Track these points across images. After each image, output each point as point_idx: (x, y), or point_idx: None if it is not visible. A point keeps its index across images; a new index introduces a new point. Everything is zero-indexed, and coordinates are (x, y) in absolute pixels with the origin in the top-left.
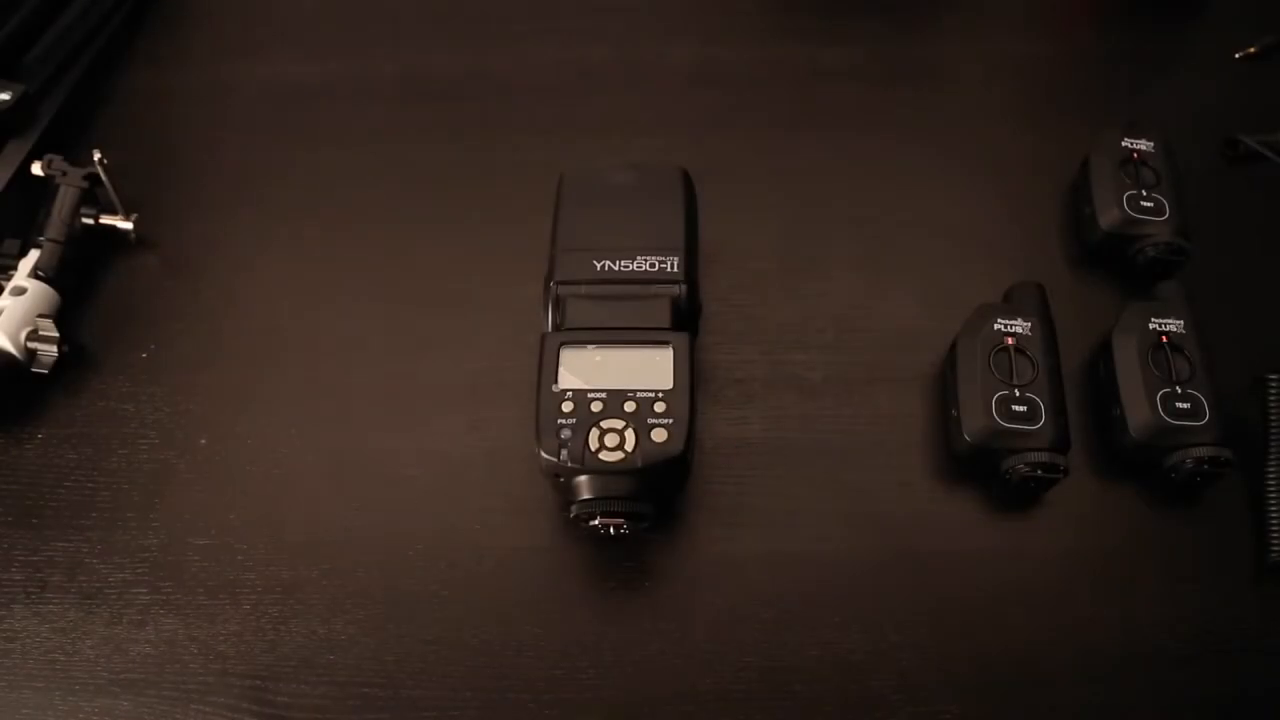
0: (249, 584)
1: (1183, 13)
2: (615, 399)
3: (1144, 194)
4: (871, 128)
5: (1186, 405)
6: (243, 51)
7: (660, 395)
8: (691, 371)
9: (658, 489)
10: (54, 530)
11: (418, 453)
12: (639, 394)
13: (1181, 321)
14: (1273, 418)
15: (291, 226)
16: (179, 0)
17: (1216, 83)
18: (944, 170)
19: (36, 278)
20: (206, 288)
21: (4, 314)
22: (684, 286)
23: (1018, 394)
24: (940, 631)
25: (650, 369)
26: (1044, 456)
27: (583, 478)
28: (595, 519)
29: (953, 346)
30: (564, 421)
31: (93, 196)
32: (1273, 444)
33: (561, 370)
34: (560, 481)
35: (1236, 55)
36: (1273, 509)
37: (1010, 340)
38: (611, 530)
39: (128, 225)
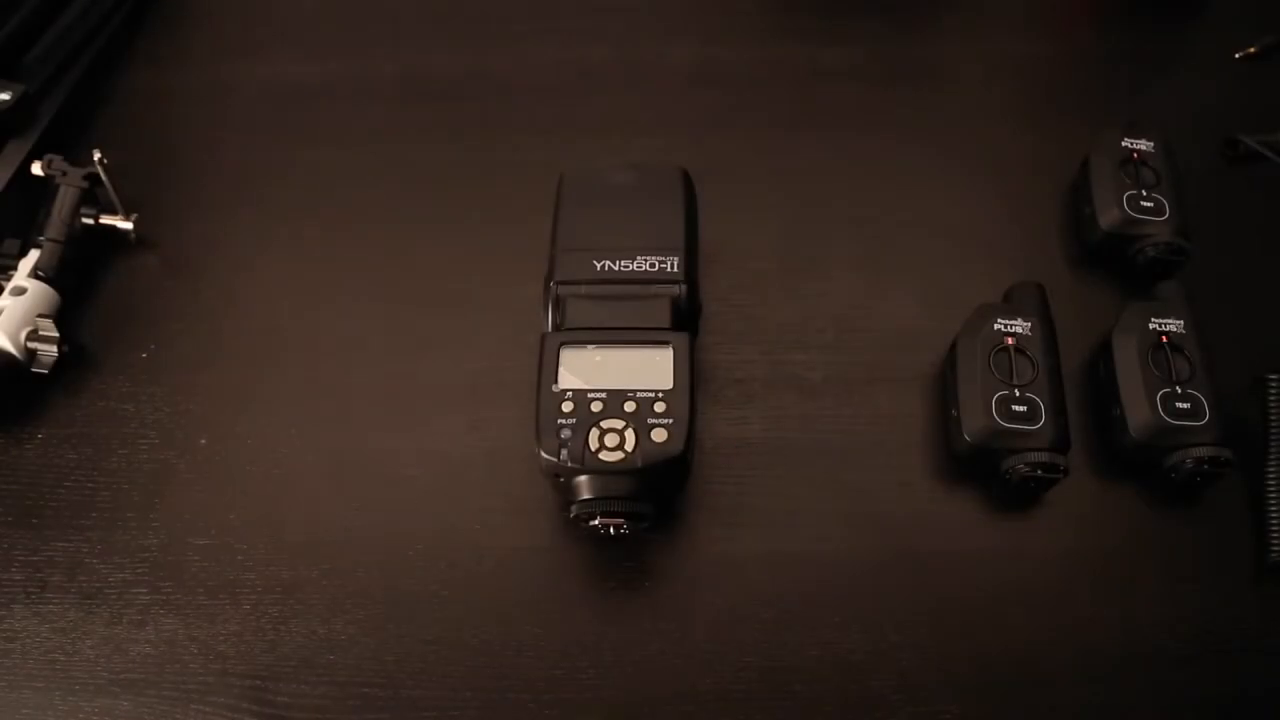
0: (249, 584)
1: (1183, 13)
2: (615, 399)
3: (1144, 194)
4: (871, 128)
5: (1186, 405)
6: (243, 51)
7: (660, 395)
8: (691, 371)
9: (658, 489)
10: (54, 530)
11: (418, 453)
12: (639, 394)
13: (1181, 321)
14: (1273, 418)
15: (291, 226)
16: (179, 0)
17: (1216, 83)
18: (944, 170)
19: (36, 278)
20: (206, 288)
21: (4, 314)
22: (684, 286)
23: (1018, 394)
24: (940, 631)
25: (650, 369)
26: (1044, 456)
27: (583, 478)
28: (595, 519)
29: (953, 346)
30: (564, 421)
31: (93, 196)
32: (1273, 444)
33: (561, 370)
34: (560, 481)
35: (1236, 55)
36: (1273, 509)
37: (1010, 340)
38: (611, 530)
39: (128, 225)
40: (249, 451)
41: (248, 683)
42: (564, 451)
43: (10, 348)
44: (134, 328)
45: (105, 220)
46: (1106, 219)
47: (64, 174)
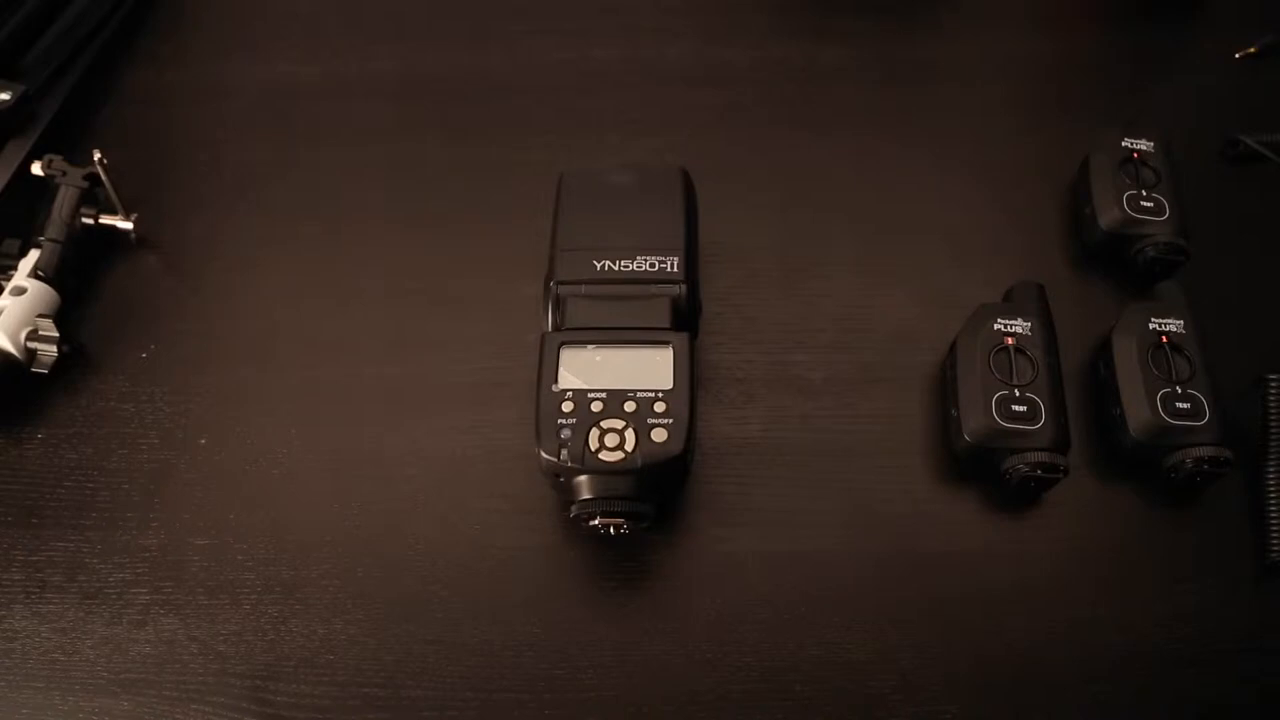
0: (249, 584)
1: (1183, 13)
2: (615, 399)
3: (1144, 194)
4: (871, 128)
5: (1186, 405)
6: (243, 51)
7: (660, 395)
8: (691, 371)
9: (658, 489)
10: (54, 530)
11: (418, 453)
12: (639, 394)
13: (1181, 321)
14: (1273, 418)
15: (291, 226)
16: (179, 0)
17: (1216, 83)
18: (944, 170)
19: (36, 278)
20: (206, 288)
21: (4, 314)
22: (684, 286)
23: (1018, 394)
24: (940, 631)
25: (650, 369)
26: (1044, 456)
27: (583, 478)
28: (595, 519)
29: (953, 346)
30: (564, 421)
31: (93, 196)
32: (1273, 444)
33: (561, 370)
34: (560, 481)
35: (1236, 55)
36: (1273, 509)
37: (1010, 340)
38: (611, 530)
39: (128, 225)
40: (249, 451)
41: (248, 683)
42: (564, 451)
43: (10, 348)
44: (134, 328)
45: (105, 220)
46: (1106, 219)
47: (64, 174)
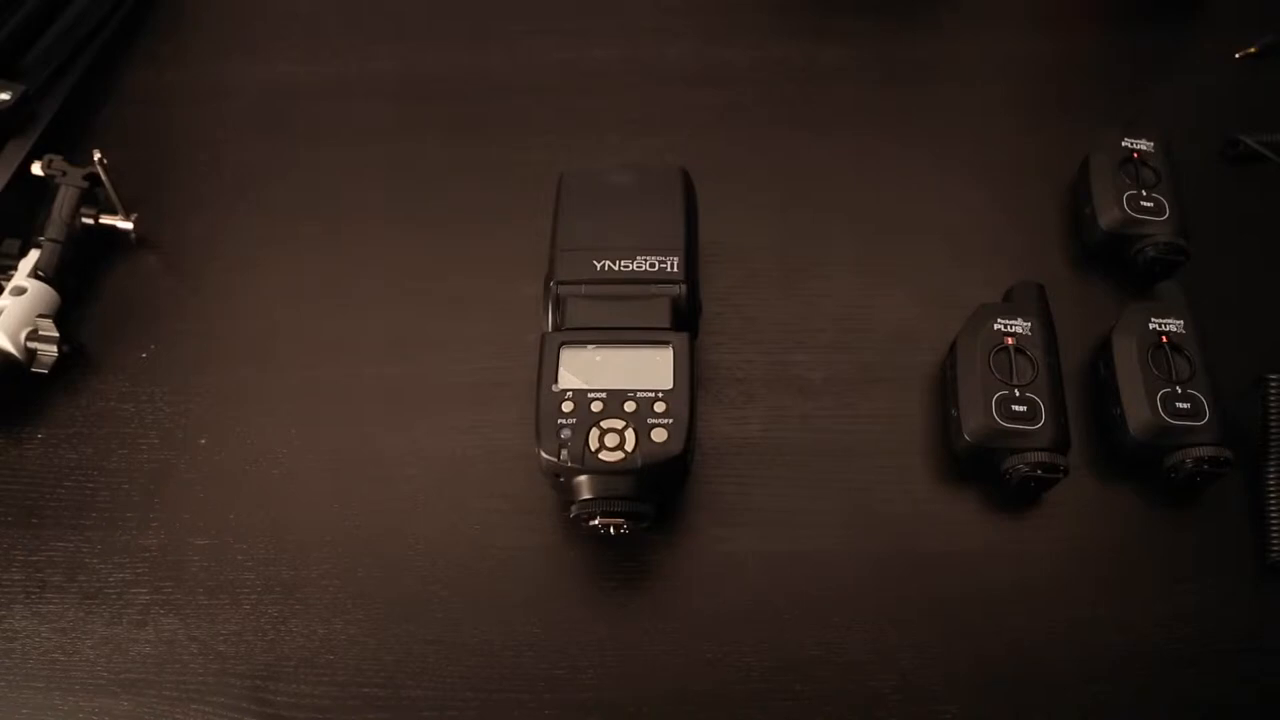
0: (249, 584)
1: (1183, 13)
2: (615, 399)
3: (1144, 194)
4: (871, 128)
5: (1186, 405)
6: (243, 51)
7: (660, 395)
8: (691, 371)
9: (658, 489)
10: (54, 530)
11: (418, 453)
12: (639, 394)
13: (1181, 321)
14: (1273, 418)
15: (291, 226)
16: (179, 0)
17: (1216, 83)
18: (944, 170)
19: (36, 278)
20: (206, 288)
21: (4, 314)
22: (684, 286)
23: (1018, 394)
24: (940, 631)
25: (650, 369)
26: (1044, 456)
27: (583, 478)
28: (595, 519)
29: (953, 346)
30: (564, 421)
31: (93, 196)
32: (1273, 444)
33: (561, 370)
34: (560, 481)
35: (1236, 55)
36: (1273, 509)
37: (1010, 340)
38: (611, 530)
39: (128, 225)
40: (249, 451)
41: (248, 683)
42: (564, 451)
43: (10, 348)
44: (134, 328)
45: (105, 220)
46: (1106, 219)
47: (64, 174)
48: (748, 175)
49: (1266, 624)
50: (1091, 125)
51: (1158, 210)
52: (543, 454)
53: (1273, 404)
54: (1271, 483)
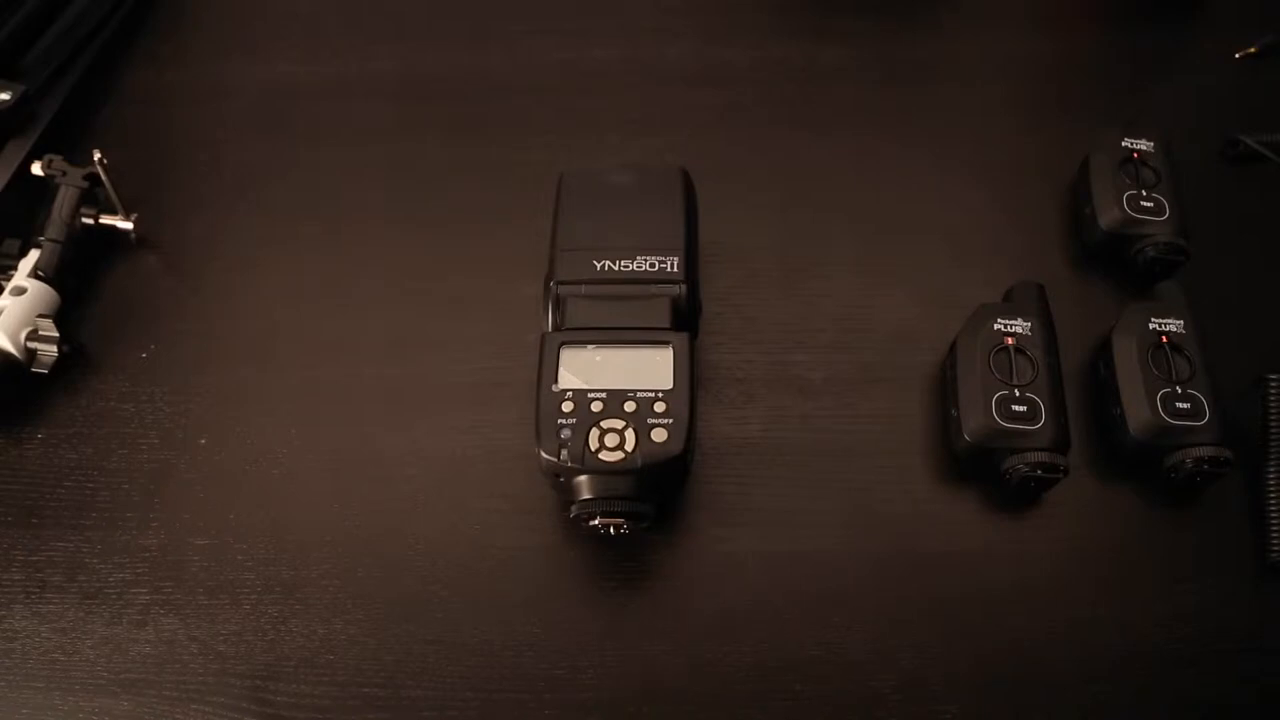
0: (249, 584)
1: (1183, 13)
2: (615, 399)
3: (1144, 194)
4: (871, 128)
5: (1186, 405)
6: (243, 51)
7: (660, 395)
8: (691, 371)
9: (658, 489)
10: (54, 530)
11: (418, 453)
12: (639, 394)
13: (1181, 321)
14: (1273, 418)
15: (291, 226)
16: (179, 0)
17: (1216, 83)
18: (944, 170)
19: (36, 278)
20: (206, 288)
21: (4, 314)
22: (684, 286)
23: (1018, 394)
24: (940, 631)
25: (650, 369)
26: (1044, 456)
27: (583, 478)
28: (595, 519)
29: (953, 346)
30: (564, 421)
31: (93, 196)
32: (1273, 444)
33: (561, 370)
34: (560, 481)
35: (1236, 55)
36: (1273, 509)
37: (1010, 340)
38: (611, 530)
39: (128, 225)
40: (249, 451)
41: (248, 683)
42: (564, 451)
43: (10, 348)
44: (134, 328)
45: (105, 220)
46: (1106, 219)
47: (64, 174)
48: (748, 175)
49: (1266, 624)
50: (1091, 125)
51: (1158, 210)
52: (543, 454)
53: (1273, 404)
54: (1271, 483)
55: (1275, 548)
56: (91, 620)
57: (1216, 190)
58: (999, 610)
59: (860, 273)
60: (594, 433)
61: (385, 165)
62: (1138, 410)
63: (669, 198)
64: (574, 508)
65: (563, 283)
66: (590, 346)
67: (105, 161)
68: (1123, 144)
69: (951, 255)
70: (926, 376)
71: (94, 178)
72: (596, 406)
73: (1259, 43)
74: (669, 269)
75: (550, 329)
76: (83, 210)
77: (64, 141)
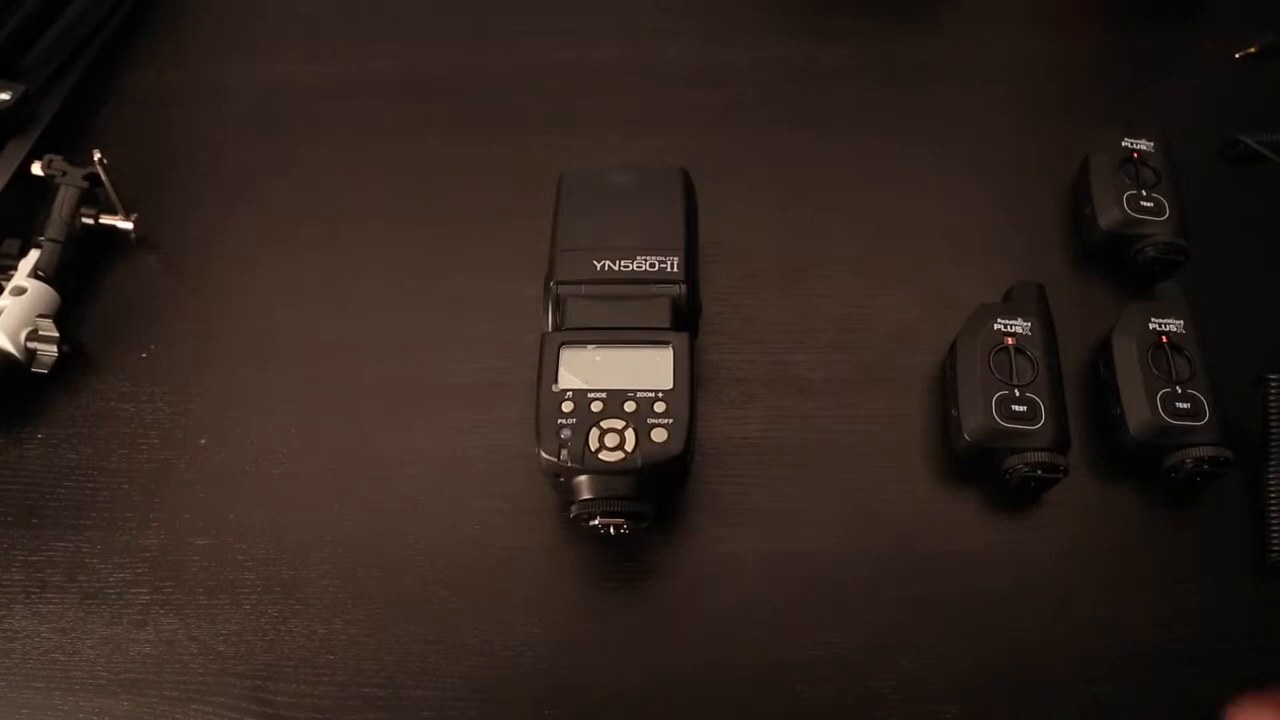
0: (249, 584)
1: (1183, 13)
2: (615, 399)
3: (1144, 194)
4: (871, 128)
5: (1186, 405)
6: (243, 51)
7: (660, 395)
8: (691, 371)
9: (658, 489)
10: (54, 530)
11: (418, 453)
12: (639, 394)
13: (1181, 321)
14: (1273, 418)
15: (291, 226)
16: (179, 0)
17: (1216, 83)
18: (944, 170)
19: (36, 278)
20: (206, 288)
21: (4, 314)
22: (684, 286)
23: (1018, 394)
24: (940, 631)
25: (650, 369)
26: (1044, 456)
27: (583, 478)
28: (595, 519)
29: (953, 346)
30: (564, 421)
31: (93, 196)
32: (1273, 444)
33: (561, 370)
34: (560, 481)
35: (1236, 55)
36: (1273, 509)
37: (1010, 340)
38: (611, 530)
39: (128, 225)
40: (249, 451)
41: (248, 683)
42: (564, 451)
43: (10, 348)
44: (134, 328)
45: (105, 220)
46: (1106, 219)
47: (64, 174)
48: (748, 175)
49: (1266, 624)
50: (1091, 125)
51: (1158, 210)
52: (543, 454)
53: (1273, 404)
54: (1271, 483)
55: (1275, 548)
56: (91, 620)
57: (1216, 190)
58: (999, 610)
59: (860, 273)
60: (594, 433)
61: (385, 165)
62: (1138, 410)
63: (669, 198)
64: (574, 508)
65: (563, 283)
66: (590, 346)
67: (105, 161)
68: (1123, 144)
69: (951, 255)
70: (926, 376)
71: (94, 178)
72: (596, 406)
73: (1259, 43)
74: (669, 269)
75: (550, 329)
76: (83, 210)
77: (64, 141)
